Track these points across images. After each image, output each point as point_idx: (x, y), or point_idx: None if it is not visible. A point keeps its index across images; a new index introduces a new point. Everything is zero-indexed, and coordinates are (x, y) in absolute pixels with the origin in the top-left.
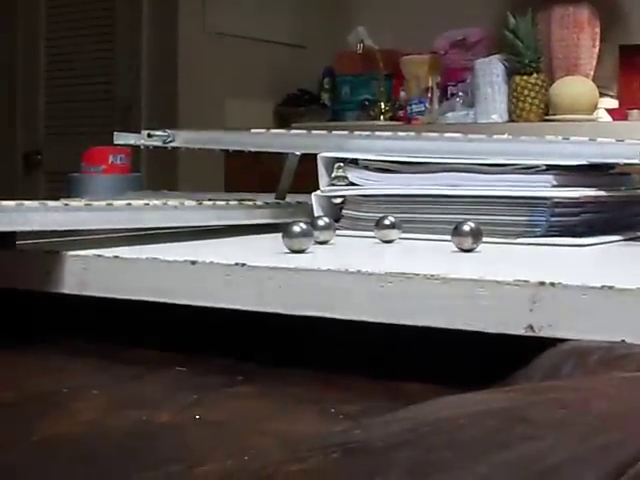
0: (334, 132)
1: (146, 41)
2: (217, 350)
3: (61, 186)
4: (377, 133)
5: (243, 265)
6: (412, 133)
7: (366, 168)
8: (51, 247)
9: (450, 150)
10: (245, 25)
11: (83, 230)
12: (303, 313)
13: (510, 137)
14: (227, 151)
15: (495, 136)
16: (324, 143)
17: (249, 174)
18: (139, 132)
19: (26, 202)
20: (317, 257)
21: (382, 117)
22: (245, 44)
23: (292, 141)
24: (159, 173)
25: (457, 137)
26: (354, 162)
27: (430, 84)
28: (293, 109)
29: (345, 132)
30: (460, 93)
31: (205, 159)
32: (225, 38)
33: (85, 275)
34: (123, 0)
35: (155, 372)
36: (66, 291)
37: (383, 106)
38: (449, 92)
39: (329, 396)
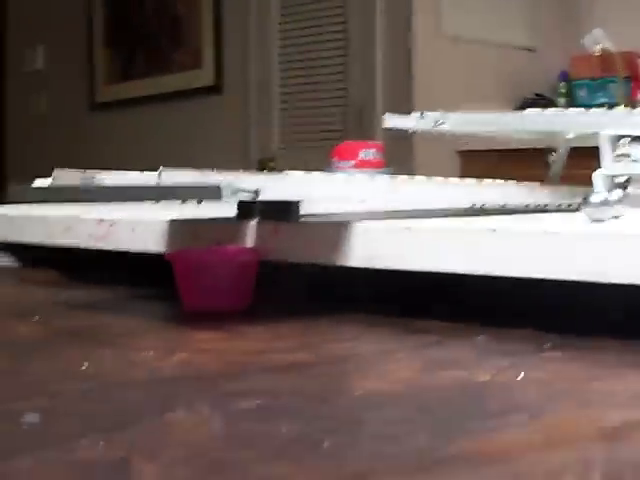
0: (614, 109)
1: (380, 45)
2: (510, 320)
3: None
4: None
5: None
6: None
7: None
8: (337, 219)
9: None
10: (480, 28)
11: None
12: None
13: None
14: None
15: None
16: (604, 120)
17: (483, 171)
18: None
19: (314, 172)
20: (622, 225)
21: None
22: (480, 47)
23: (570, 120)
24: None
25: None
26: (639, 139)
27: None
28: None
29: (626, 108)
30: None
31: (440, 154)
32: (460, 41)
33: (375, 247)
34: (356, 5)
35: (454, 339)
36: (353, 264)
37: None
38: None
39: None
